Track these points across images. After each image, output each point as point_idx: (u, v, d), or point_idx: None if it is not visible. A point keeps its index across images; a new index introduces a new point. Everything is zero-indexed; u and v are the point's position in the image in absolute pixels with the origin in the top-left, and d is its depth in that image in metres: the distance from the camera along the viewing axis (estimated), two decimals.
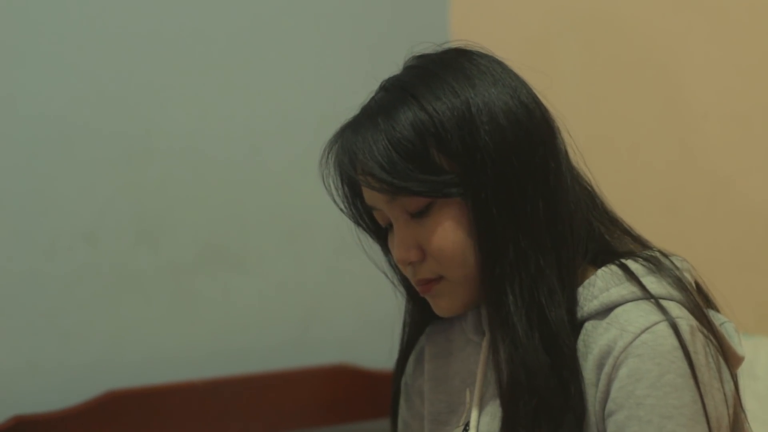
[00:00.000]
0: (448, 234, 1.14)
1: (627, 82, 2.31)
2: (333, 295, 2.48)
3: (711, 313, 1.18)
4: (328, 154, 1.23)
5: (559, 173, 1.16)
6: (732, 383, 1.13)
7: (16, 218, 2.15)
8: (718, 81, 2.16)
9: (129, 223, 2.25)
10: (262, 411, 2.33)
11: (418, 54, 1.22)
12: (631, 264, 1.15)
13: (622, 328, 1.09)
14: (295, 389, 2.37)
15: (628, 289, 1.12)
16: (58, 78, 2.18)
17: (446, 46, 1.23)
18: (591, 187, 1.23)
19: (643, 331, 1.08)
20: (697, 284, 1.20)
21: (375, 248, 1.30)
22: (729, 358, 1.14)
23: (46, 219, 2.17)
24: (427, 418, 1.29)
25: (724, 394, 1.10)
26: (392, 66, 1.23)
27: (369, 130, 1.16)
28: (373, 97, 1.21)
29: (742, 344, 1.18)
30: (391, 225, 1.20)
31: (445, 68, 1.17)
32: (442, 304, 1.20)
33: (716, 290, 1.23)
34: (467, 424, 1.21)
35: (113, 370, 2.23)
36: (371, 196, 1.19)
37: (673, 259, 1.18)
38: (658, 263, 1.16)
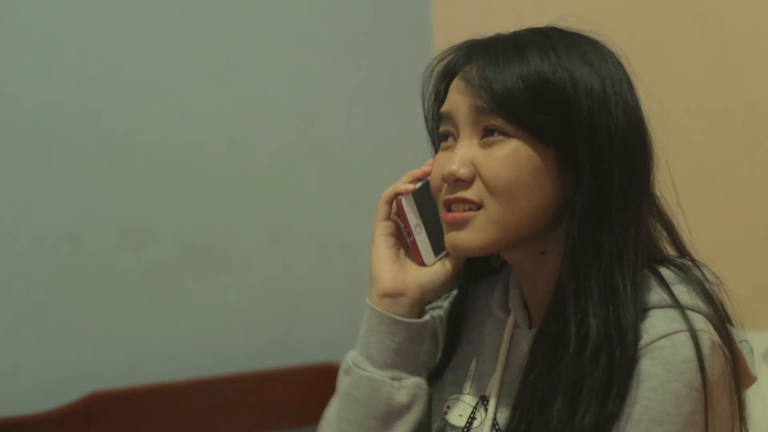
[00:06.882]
0: (512, 167, 1.12)
1: None
2: (318, 293, 2.48)
3: (730, 330, 1.18)
4: (445, 55, 1.21)
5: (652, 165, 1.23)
6: (737, 402, 1.13)
7: None
8: (700, 75, 2.17)
9: (113, 224, 2.25)
10: (248, 410, 2.33)
11: (564, 27, 1.24)
12: (663, 271, 1.16)
13: (644, 331, 1.09)
14: (280, 388, 2.37)
15: (658, 296, 1.12)
16: (41, 78, 2.18)
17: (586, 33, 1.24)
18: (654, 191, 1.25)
19: (662, 336, 1.08)
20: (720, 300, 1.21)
21: None
22: (741, 378, 1.14)
23: (29, 220, 2.17)
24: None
25: (731, 414, 1.10)
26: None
27: (504, 53, 1.14)
28: (506, 33, 1.19)
29: (755, 364, 1.19)
30: (449, 145, 1.18)
31: (588, 47, 1.20)
32: (462, 236, 1.15)
33: None
34: (474, 408, 1.21)
35: (98, 371, 2.22)
36: (460, 102, 1.16)
37: (705, 271, 1.19)
38: (688, 272, 1.17)
